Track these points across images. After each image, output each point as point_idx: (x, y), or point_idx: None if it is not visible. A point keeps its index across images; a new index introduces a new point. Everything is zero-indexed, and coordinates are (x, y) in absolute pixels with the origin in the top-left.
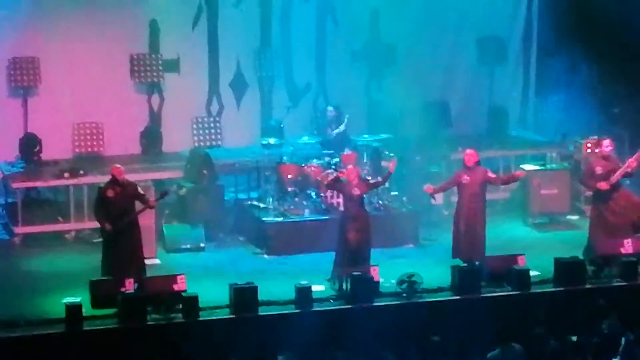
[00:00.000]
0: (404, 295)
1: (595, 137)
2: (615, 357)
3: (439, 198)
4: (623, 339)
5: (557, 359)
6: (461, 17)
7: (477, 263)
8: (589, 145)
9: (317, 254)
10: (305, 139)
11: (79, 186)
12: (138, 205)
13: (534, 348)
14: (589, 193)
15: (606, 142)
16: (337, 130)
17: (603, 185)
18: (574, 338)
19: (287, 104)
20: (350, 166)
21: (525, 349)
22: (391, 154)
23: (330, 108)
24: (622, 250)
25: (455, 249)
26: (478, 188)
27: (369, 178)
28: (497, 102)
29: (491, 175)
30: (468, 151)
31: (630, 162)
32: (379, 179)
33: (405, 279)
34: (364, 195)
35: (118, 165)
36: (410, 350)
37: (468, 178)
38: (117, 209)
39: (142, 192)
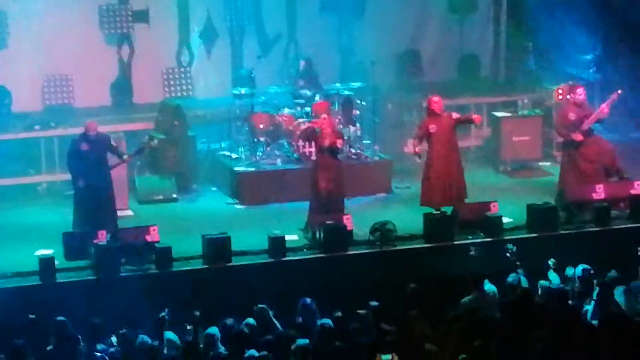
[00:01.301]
0: (377, 243)
1: (568, 83)
2: (590, 302)
3: (411, 145)
4: (595, 284)
5: (529, 304)
6: None
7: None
8: (560, 91)
9: (290, 204)
10: (276, 88)
11: (50, 138)
12: (111, 158)
13: (507, 293)
14: (561, 139)
15: (579, 89)
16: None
17: (577, 137)
18: (545, 283)
19: (257, 54)
20: (324, 115)
21: (499, 293)
22: (363, 102)
23: (302, 61)
24: (594, 196)
25: (425, 196)
26: (448, 134)
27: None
28: (468, 50)
29: (455, 115)
30: (434, 98)
31: (602, 108)
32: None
33: (378, 228)
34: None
35: (92, 120)
36: (387, 299)
37: (435, 126)
38: (91, 162)
39: (115, 144)
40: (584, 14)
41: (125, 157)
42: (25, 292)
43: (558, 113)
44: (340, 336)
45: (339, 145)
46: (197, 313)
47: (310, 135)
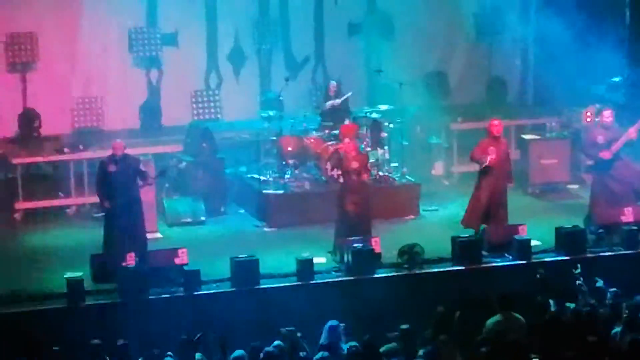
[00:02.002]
0: (405, 266)
1: (596, 105)
2: (619, 326)
3: (439, 169)
4: (625, 308)
5: (558, 328)
6: None
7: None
8: (588, 114)
9: (318, 226)
10: (306, 111)
11: (79, 161)
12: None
13: (535, 316)
14: (590, 162)
15: (607, 112)
16: (331, 102)
17: (606, 155)
18: (573, 305)
19: (285, 76)
20: (346, 139)
21: (526, 318)
22: (390, 125)
23: (332, 83)
24: (623, 219)
25: (470, 217)
26: (502, 158)
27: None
28: (496, 72)
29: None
30: (494, 121)
31: (630, 132)
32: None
33: (406, 250)
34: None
35: (119, 140)
36: (414, 321)
37: (494, 149)
38: (119, 184)
39: (143, 168)
40: (613, 35)
41: (149, 180)
42: (53, 314)
43: (586, 135)
44: (368, 359)
45: (365, 176)
46: (225, 336)
47: (337, 160)
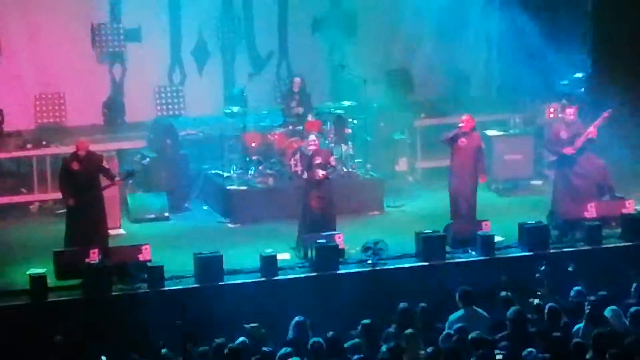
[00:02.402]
0: (369, 262)
1: (562, 101)
2: (581, 322)
3: (403, 165)
4: (587, 304)
5: (521, 323)
6: None
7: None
8: (552, 110)
9: (282, 222)
10: (269, 106)
11: (42, 157)
12: (103, 178)
13: (498, 312)
14: (553, 158)
15: (570, 110)
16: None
17: (568, 150)
18: (536, 301)
19: (250, 72)
20: (311, 136)
21: (489, 314)
22: (354, 121)
23: (296, 79)
24: (586, 215)
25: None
26: (472, 153)
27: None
28: (459, 68)
29: (482, 146)
30: (463, 117)
31: (590, 131)
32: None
33: (370, 246)
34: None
35: (83, 139)
36: (378, 317)
37: (465, 141)
38: (82, 181)
39: (107, 166)
40: (577, 30)
41: (116, 179)
42: (16, 311)
43: (549, 131)
44: (332, 355)
45: (332, 163)
46: (190, 332)
47: (301, 157)
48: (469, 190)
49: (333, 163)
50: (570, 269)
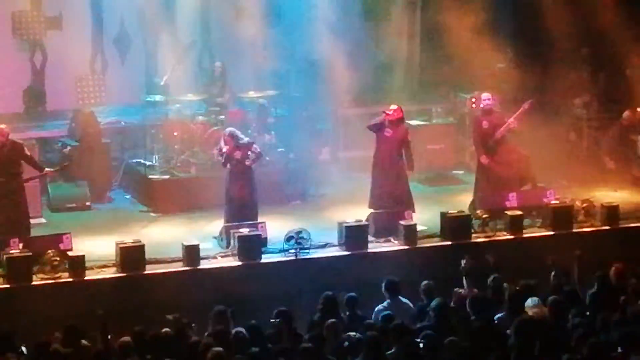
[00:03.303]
0: (292, 251)
1: (479, 92)
2: (501, 311)
3: (326, 154)
4: (506, 293)
5: (442, 313)
6: None
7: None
8: (473, 100)
9: (205, 212)
10: (190, 96)
11: None
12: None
13: (421, 302)
14: (473, 147)
15: (484, 95)
16: (221, 99)
17: (483, 160)
18: (461, 291)
19: (171, 61)
20: (226, 133)
21: (412, 302)
22: (277, 110)
23: (217, 64)
24: (508, 204)
25: (375, 198)
26: (397, 144)
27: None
28: (382, 58)
29: (408, 139)
30: (393, 106)
31: (510, 123)
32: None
33: (293, 235)
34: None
35: (2, 126)
36: (302, 307)
37: (390, 131)
38: (2, 170)
39: (29, 153)
40: (497, 22)
41: (46, 170)
42: None
43: (472, 122)
44: (254, 344)
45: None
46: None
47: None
48: (391, 180)
49: (255, 151)
50: (488, 258)
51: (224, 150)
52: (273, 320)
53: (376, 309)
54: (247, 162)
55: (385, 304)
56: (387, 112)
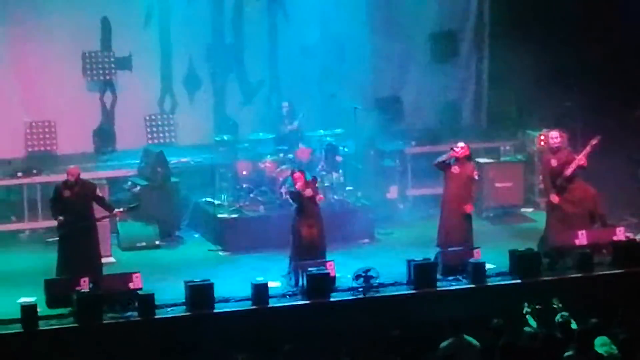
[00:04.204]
0: (360, 290)
1: (548, 130)
2: (571, 349)
3: (394, 192)
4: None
5: (512, 352)
6: (413, 12)
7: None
8: (542, 137)
9: (273, 250)
10: (260, 135)
11: (33, 185)
12: (98, 208)
13: (489, 340)
14: (542, 186)
15: (553, 133)
16: (290, 127)
17: (554, 198)
18: (529, 329)
19: (240, 101)
20: (296, 174)
21: (480, 342)
22: (346, 149)
23: (284, 103)
24: (577, 242)
25: (443, 236)
26: (464, 182)
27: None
28: (450, 97)
29: (476, 177)
30: (458, 144)
31: (579, 159)
32: None
33: (362, 274)
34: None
35: (73, 166)
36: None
37: (457, 169)
38: (74, 209)
39: (100, 194)
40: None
41: (116, 210)
42: (7, 340)
43: (541, 160)
44: None
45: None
46: None
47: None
48: (460, 218)
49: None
50: (554, 304)
51: (295, 187)
52: None
53: (440, 345)
54: (319, 198)
55: (448, 341)
56: (455, 149)
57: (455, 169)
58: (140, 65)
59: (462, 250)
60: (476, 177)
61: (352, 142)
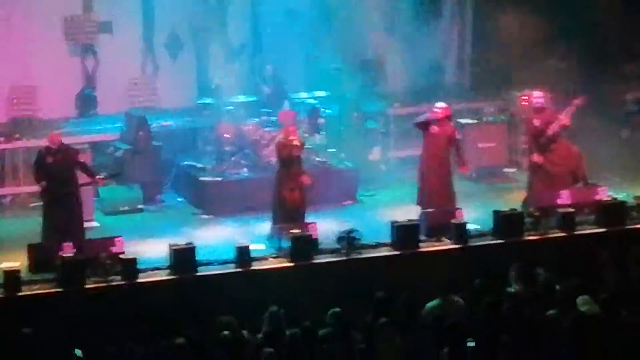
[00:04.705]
0: (343, 251)
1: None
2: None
3: (377, 154)
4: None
5: (495, 311)
6: None
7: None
8: (524, 98)
9: (256, 213)
10: (241, 97)
11: (15, 150)
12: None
13: (473, 300)
14: (526, 146)
15: (536, 93)
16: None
17: (536, 158)
18: (512, 289)
19: (223, 64)
20: (290, 126)
21: (465, 301)
22: (328, 111)
23: (269, 66)
24: (560, 202)
25: (424, 197)
26: (444, 142)
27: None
28: (433, 58)
29: (457, 137)
30: (440, 104)
31: (562, 120)
32: None
33: (344, 236)
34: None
35: (55, 132)
36: (355, 307)
37: (437, 129)
38: (56, 175)
39: (82, 160)
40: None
41: (97, 177)
42: None
43: (523, 121)
44: (308, 345)
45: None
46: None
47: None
48: (439, 179)
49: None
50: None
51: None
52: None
53: (426, 306)
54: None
55: (435, 301)
56: (435, 109)
57: (434, 129)
58: (122, 29)
59: (445, 211)
60: (457, 137)
61: (335, 104)
